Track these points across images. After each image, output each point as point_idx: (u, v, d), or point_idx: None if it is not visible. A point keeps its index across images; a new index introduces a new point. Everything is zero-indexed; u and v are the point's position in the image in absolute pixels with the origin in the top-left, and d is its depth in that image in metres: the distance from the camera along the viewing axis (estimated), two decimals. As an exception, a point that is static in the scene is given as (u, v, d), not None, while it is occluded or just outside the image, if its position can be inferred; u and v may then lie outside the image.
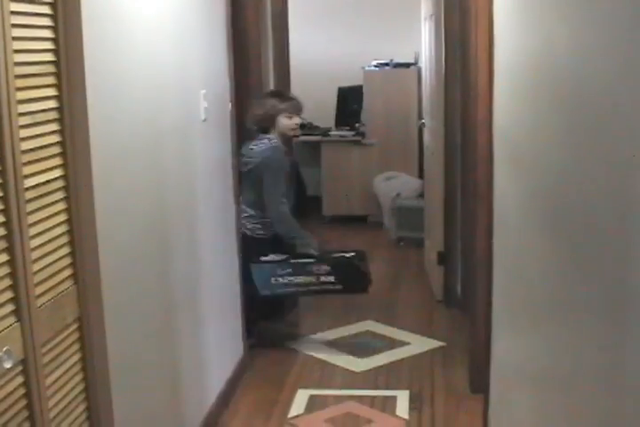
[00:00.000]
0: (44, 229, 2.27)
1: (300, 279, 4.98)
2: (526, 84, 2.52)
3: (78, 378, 2.50)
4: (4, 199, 2.04)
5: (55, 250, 2.35)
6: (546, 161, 2.15)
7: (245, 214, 5.07)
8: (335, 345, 5.33)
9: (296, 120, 5.29)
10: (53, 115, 2.34)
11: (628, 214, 1.35)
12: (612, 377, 1.48)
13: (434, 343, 5.31)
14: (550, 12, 2.09)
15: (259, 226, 5.14)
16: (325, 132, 8.90)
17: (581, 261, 1.72)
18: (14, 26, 2.09)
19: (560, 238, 1.96)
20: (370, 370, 4.91)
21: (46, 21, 2.31)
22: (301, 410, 4.38)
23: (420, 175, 8.23)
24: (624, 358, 1.38)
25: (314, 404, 4.46)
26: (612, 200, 1.46)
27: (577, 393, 1.78)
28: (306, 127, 9.00)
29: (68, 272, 2.43)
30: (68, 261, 2.43)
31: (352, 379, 4.80)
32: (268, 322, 5.49)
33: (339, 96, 8.89)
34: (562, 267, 1.94)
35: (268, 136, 5.16)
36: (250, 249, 4.94)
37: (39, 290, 2.23)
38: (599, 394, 1.58)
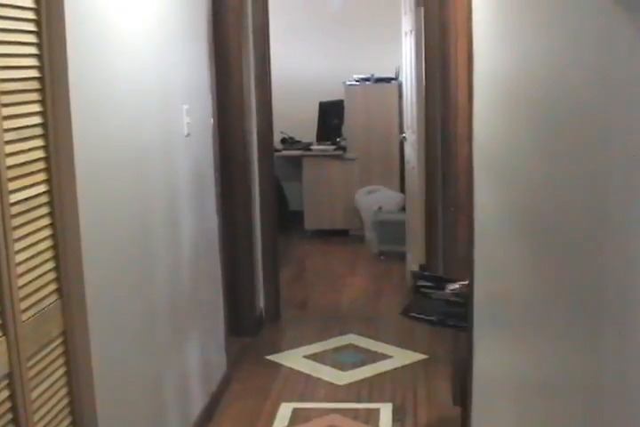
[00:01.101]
0: (30, 243, 2.29)
1: None
2: (504, 97, 2.56)
3: (63, 392, 2.51)
4: (-10, 214, 2.06)
5: (40, 265, 2.36)
6: (523, 173, 2.18)
7: None
8: (318, 359, 5.35)
9: None
10: (38, 130, 2.36)
11: (603, 224, 1.38)
12: (591, 385, 1.50)
13: (416, 356, 5.33)
14: (527, 28, 2.12)
15: None
16: (307, 147, 8.93)
17: (558, 271, 1.74)
18: (-1, 43, 2.11)
19: (538, 248, 1.99)
20: (353, 383, 4.93)
21: (31, 38, 2.33)
22: (285, 423, 4.39)
23: (402, 189, 8.26)
24: (602, 365, 1.41)
25: (297, 417, 4.47)
26: (586, 210, 1.49)
27: (558, 402, 1.81)
28: (287, 142, 9.05)
29: (52, 287, 2.44)
30: (52, 275, 2.45)
31: (335, 392, 4.81)
32: None
33: (320, 111, 8.92)
34: (540, 276, 1.97)
35: None
36: None
37: (24, 304, 2.24)
38: (579, 402, 1.60)
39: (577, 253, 1.57)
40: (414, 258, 6.26)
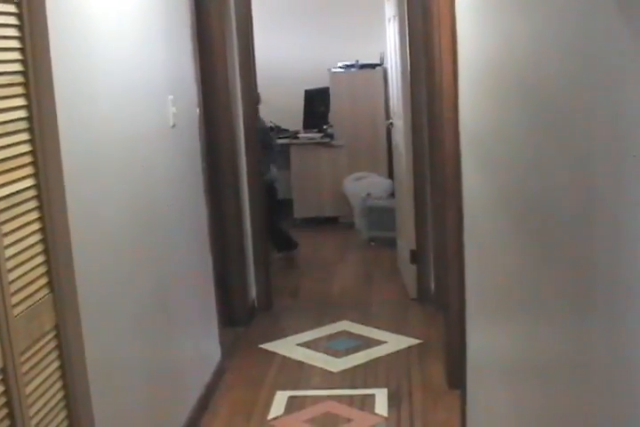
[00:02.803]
0: (18, 238, 2.28)
1: None
2: (489, 81, 2.56)
3: (58, 386, 2.51)
4: (-22, 210, 2.05)
5: (30, 259, 2.36)
6: (510, 156, 2.19)
7: None
8: (312, 346, 5.36)
9: None
10: (23, 124, 2.35)
11: (591, 204, 1.38)
12: (583, 366, 1.51)
13: (410, 341, 5.34)
14: (510, 10, 2.12)
15: None
16: (294, 135, 8.93)
17: (548, 254, 1.75)
18: (-19, 37, 2.11)
19: (527, 232, 2.00)
20: (347, 370, 4.94)
21: (12, 32, 2.32)
22: (281, 411, 4.40)
23: (390, 175, 8.27)
24: (593, 346, 1.42)
25: (293, 405, 4.48)
26: (574, 191, 1.50)
27: (552, 384, 1.82)
28: (274, 130, 9.03)
29: (43, 281, 2.44)
30: (43, 269, 2.44)
31: (330, 379, 4.83)
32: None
33: (305, 98, 8.92)
34: (530, 259, 1.97)
35: None
36: None
37: (15, 299, 2.24)
38: (573, 383, 1.61)
39: (566, 234, 1.58)
40: (405, 243, 6.27)
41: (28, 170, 2.37)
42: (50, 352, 2.46)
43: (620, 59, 1.19)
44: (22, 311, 2.28)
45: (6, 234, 2.20)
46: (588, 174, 1.39)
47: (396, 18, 6.01)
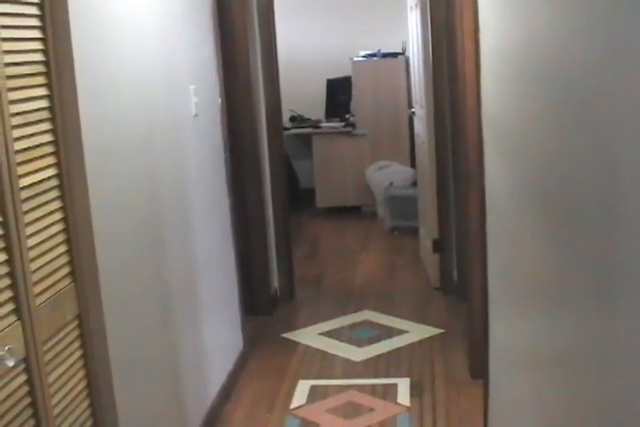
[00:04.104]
0: (41, 227, 2.29)
1: None
2: (512, 69, 2.54)
3: (80, 375, 2.52)
4: (1, 199, 2.06)
5: (52, 248, 2.36)
6: (533, 144, 2.17)
7: None
8: (334, 335, 5.36)
9: None
10: (45, 114, 2.36)
11: (615, 193, 1.37)
12: (605, 355, 1.50)
13: (432, 331, 5.33)
14: (533, -3, 2.10)
15: None
16: (316, 124, 8.92)
17: (572, 243, 1.74)
18: (2, 27, 2.11)
19: (550, 221, 1.98)
20: (369, 359, 4.94)
21: (34, 22, 2.32)
22: (303, 401, 4.41)
23: (412, 164, 8.25)
24: (616, 336, 1.41)
25: (315, 394, 4.48)
26: (598, 179, 1.48)
27: (575, 373, 1.81)
28: (296, 120, 9.03)
29: (66, 270, 2.45)
30: (65, 259, 2.45)
31: (352, 368, 4.83)
32: None
33: (328, 88, 8.91)
34: (553, 248, 1.96)
35: None
36: None
37: (38, 288, 2.25)
38: (596, 373, 1.60)
39: (589, 223, 1.56)
40: (427, 233, 6.26)
41: (50, 160, 2.38)
42: (72, 342, 2.47)
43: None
44: (45, 301, 2.28)
45: (28, 224, 2.20)
46: (612, 163, 1.38)
47: (418, 6, 5.99)
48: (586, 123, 1.56)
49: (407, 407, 4.26)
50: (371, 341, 5.23)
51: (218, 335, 4.35)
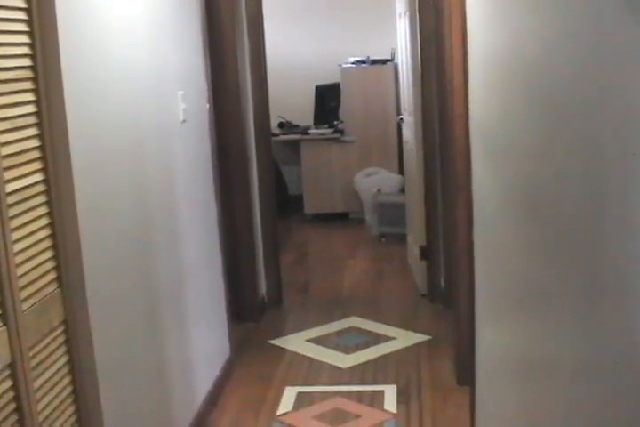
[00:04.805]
0: (27, 233, 2.28)
1: None
2: (499, 76, 2.55)
3: (66, 380, 2.51)
4: (-13, 204, 2.05)
5: (39, 254, 2.36)
6: (520, 152, 2.18)
7: None
8: (321, 342, 5.35)
9: None
10: (32, 119, 2.35)
11: (600, 199, 1.38)
12: (592, 364, 1.50)
13: (419, 337, 5.34)
14: (520, 6, 2.11)
15: None
16: (304, 131, 8.92)
17: (558, 250, 1.74)
18: (-10, 32, 2.10)
19: (537, 228, 1.99)
20: (356, 366, 4.94)
21: (21, 27, 2.32)
22: (289, 407, 4.40)
23: (401, 171, 8.26)
24: (602, 343, 1.41)
25: (302, 401, 4.48)
26: (583, 186, 1.49)
27: (559, 381, 1.81)
28: (285, 126, 9.03)
29: (52, 275, 2.44)
30: (51, 264, 2.44)
31: (339, 375, 4.82)
32: None
33: (316, 94, 8.91)
34: (539, 256, 1.97)
35: None
36: None
37: (24, 294, 2.24)
38: (581, 381, 1.61)
39: (576, 230, 1.57)
40: (415, 239, 6.26)
41: (37, 165, 2.37)
42: (58, 347, 2.46)
43: (628, 53, 1.18)
44: (31, 306, 2.28)
45: (15, 229, 2.20)
46: (597, 169, 1.39)
47: (407, 14, 6.00)
48: (571, 130, 1.57)
49: (394, 414, 4.25)
50: (358, 347, 5.23)
51: (204, 341, 4.34)
